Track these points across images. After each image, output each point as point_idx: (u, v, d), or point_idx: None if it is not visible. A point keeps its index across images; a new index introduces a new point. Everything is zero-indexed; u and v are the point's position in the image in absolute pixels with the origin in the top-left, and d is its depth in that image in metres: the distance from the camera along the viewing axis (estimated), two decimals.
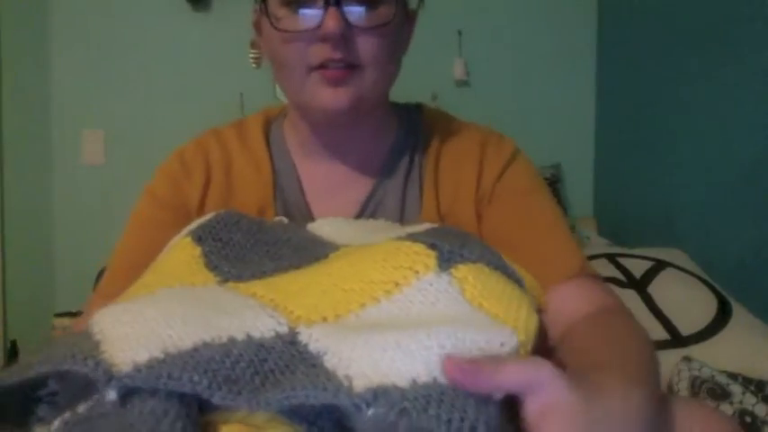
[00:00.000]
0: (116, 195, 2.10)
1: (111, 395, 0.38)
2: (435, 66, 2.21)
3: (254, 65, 2.25)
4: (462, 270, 0.46)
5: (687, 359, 1.13)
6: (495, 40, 2.27)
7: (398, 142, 0.80)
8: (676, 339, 1.23)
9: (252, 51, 2.25)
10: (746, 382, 1.08)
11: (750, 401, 1.05)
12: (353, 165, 0.78)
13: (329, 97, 0.67)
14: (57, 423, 0.41)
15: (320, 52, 0.65)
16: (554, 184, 2.14)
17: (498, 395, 0.37)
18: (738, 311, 1.28)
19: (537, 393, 0.38)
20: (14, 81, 2.17)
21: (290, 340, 0.42)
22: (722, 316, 1.27)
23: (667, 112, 1.84)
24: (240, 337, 0.41)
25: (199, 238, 0.60)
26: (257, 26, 0.75)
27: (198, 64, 2.22)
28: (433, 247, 0.48)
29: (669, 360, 1.15)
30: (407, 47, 0.76)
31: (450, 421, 0.33)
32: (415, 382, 0.36)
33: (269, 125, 0.83)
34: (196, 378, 0.37)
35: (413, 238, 0.51)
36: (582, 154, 2.31)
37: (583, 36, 2.30)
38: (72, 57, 2.19)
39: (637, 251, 1.55)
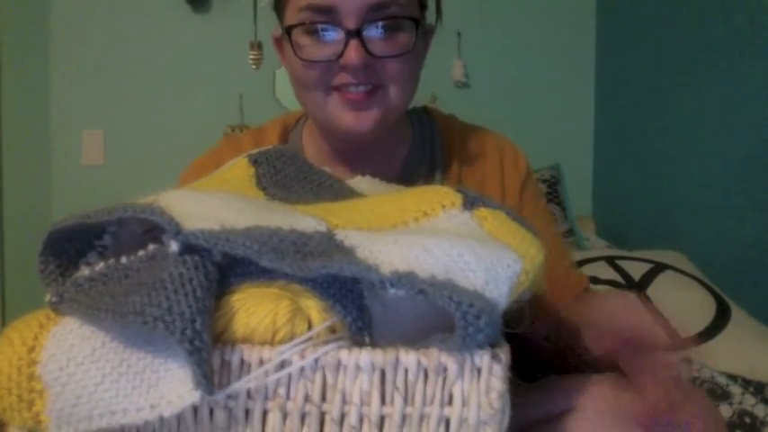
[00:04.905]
0: (115, 196, 2.08)
1: (174, 247, 0.43)
2: (434, 67, 2.18)
3: (253, 66, 2.25)
4: (483, 212, 0.51)
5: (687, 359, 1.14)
6: (494, 41, 2.27)
7: (414, 150, 0.81)
8: None
9: (251, 53, 2.25)
10: (746, 383, 1.08)
11: (749, 402, 1.06)
12: (370, 174, 0.79)
13: (352, 120, 0.68)
14: (101, 265, 0.47)
15: (341, 78, 0.67)
16: (554, 185, 2.14)
17: (501, 306, 0.42)
18: (737, 314, 1.29)
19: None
20: (14, 82, 2.17)
21: (328, 236, 0.48)
22: (721, 318, 1.27)
23: (666, 114, 1.84)
24: (286, 227, 0.47)
25: (255, 160, 0.64)
26: (278, 42, 0.75)
27: (197, 65, 2.22)
28: (460, 191, 0.54)
29: None
30: (425, 59, 0.76)
31: (460, 303, 0.39)
32: (434, 276, 0.42)
33: (287, 133, 0.83)
34: (248, 243, 0.43)
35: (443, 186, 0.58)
36: (581, 155, 2.31)
37: (582, 38, 2.30)
38: (72, 57, 2.19)
39: (635, 254, 1.55)
